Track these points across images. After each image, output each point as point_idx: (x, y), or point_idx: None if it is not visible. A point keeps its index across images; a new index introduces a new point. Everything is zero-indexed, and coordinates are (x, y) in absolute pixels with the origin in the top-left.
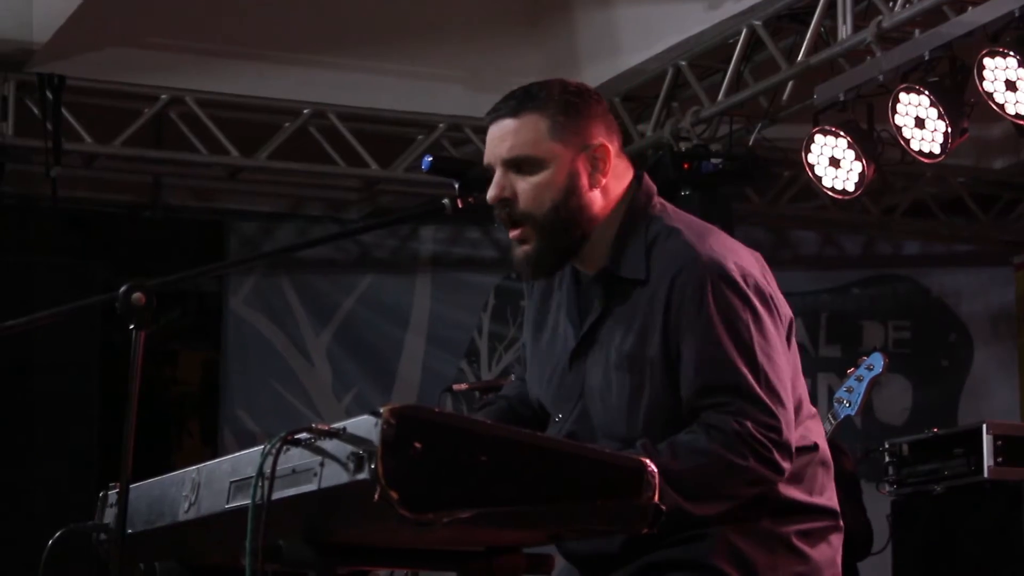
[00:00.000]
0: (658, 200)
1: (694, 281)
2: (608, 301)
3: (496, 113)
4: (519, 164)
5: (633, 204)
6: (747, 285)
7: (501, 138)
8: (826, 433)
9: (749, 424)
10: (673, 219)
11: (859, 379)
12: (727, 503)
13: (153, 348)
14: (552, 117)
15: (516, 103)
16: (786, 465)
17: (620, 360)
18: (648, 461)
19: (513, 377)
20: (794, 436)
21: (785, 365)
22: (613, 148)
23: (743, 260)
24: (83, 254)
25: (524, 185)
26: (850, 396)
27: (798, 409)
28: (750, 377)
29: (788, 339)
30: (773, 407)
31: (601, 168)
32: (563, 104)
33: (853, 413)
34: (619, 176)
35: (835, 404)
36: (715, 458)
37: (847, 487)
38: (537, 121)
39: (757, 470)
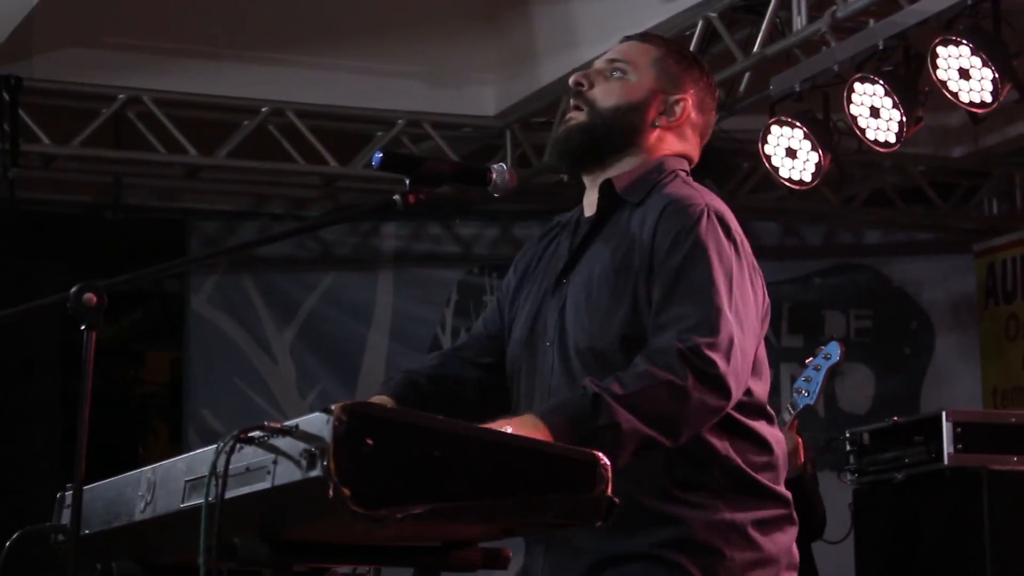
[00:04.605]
0: (684, 170)
1: (687, 210)
2: (601, 215)
3: (628, 37)
4: (614, 67)
5: (663, 159)
6: (736, 234)
7: (620, 49)
8: (786, 423)
9: (696, 339)
10: (682, 178)
11: (817, 368)
12: (683, 427)
13: (120, 348)
14: (663, 55)
15: (648, 34)
16: (732, 385)
17: (604, 271)
18: (600, 454)
19: (466, 332)
20: (748, 372)
21: (755, 316)
22: (694, 115)
23: (735, 221)
24: (43, 255)
25: (604, 83)
26: (808, 386)
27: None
28: (724, 298)
29: (764, 322)
30: (735, 330)
31: (670, 116)
32: (679, 55)
33: (812, 402)
34: (681, 141)
35: (794, 394)
36: (655, 380)
37: (808, 484)
38: (651, 49)
39: (698, 388)
